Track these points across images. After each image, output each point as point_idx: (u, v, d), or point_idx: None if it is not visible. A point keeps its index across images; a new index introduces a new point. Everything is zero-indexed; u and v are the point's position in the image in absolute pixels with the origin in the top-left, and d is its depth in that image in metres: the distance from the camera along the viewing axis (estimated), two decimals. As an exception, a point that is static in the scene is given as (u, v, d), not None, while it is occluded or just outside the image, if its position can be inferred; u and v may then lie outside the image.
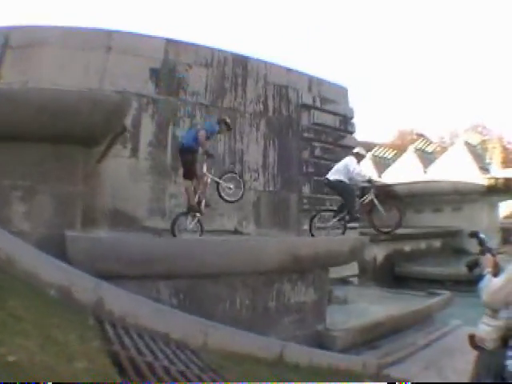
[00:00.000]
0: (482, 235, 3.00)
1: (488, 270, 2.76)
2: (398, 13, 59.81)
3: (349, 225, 7.32)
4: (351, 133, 11.71)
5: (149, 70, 8.51)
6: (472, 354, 2.83)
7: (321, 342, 5.51)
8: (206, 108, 9.13)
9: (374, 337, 6.04)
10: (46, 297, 3.13)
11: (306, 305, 5.59)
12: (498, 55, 58.52)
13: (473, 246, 3.23)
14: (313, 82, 10.95)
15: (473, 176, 16.89)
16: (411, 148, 20.69)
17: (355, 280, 10.74)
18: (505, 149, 21.04)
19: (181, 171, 6.68)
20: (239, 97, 9.61)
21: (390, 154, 22.46)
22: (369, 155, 19.72)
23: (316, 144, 10.75)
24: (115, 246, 4.42)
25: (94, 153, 5.34)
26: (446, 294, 8.45)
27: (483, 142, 21.45)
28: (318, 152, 10.72)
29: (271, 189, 9.88)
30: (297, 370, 3.86)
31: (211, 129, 6.41)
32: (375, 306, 7.43)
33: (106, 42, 8.27)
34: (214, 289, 4.71)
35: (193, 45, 9.19)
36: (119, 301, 3.40)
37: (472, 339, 2.76)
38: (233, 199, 6.82)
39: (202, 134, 6.18)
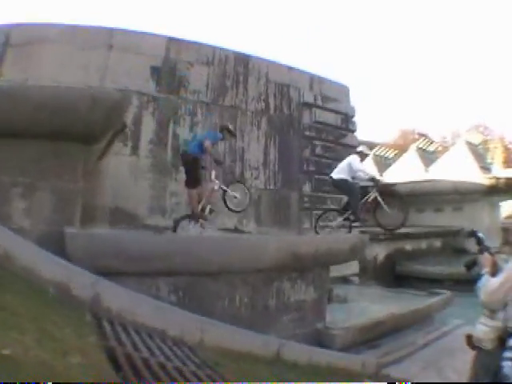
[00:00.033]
0: (480, 234, 2.98)
1: (486, 269, 2.74)
2: (401, 12, 59.73)
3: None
4: (352, 131, 11.71)
5: (150, 68, 8.53)
6: (472, 354, 2.82)
7: (320, 340, 5.49)
8: (207, 106, 9.14)
9: (373, 336, 6.02)
10: (44, 293, 3.12)
11: (305, 303, 5.57)
12: (500, 55, 58.34)
13: (473, 245, 3.22)
14: (314, 81, 10.94)
15: (474, 176, 16.86)
16: (413, 147, 20.65)
17: (356, 279, 10.72)
18: (506, 149, 20.94)
19: (182, 170, 6.68)
20: (240, 95, 9.62)
21: (391, 154, 22.43)
22: (370, 155, 19.67)
23: (317, 142, 10.75)
24: (114, 242, 4.41)
25: (94, 150, 5.33)
26: (446, 293, 8.42)
27: (485, 141, 21.39)
28: (319, 150, 10.72)
29: (272, 187, 9.89)
30: (295, 368, 3.84)
31: (214, 138, 6.40)
32: (375, 305, 7.41)
33: (107, 40, 8.29)
34: (213, 286, 4.70)
35: (194, 43, 9.21)
36: (117, 297, 3.40)
37: (469, 339, 2.75)
38: (238, 209, 6.87)
39: (207, 143, 6.18)
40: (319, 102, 10.85)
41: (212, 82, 9.25)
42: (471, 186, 16.52)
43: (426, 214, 17.52)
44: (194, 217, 6.23)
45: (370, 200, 7.06)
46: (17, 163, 4.44)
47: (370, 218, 7.40)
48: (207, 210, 6.38)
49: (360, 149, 7.42)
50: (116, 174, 7.72)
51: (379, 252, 14.03)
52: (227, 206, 6.71)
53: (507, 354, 2.48)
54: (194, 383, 2.38)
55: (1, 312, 2.22)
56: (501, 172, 17.52)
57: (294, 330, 5.31)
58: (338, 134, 11.26)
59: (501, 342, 2.55)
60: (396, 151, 22.93)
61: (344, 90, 11.76)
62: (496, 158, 18.83)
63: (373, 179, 7.11)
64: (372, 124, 56.20)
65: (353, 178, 6.93)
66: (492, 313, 2.62)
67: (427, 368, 5.17)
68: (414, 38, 62.40)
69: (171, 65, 8.78)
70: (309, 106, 10.64)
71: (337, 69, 54.94)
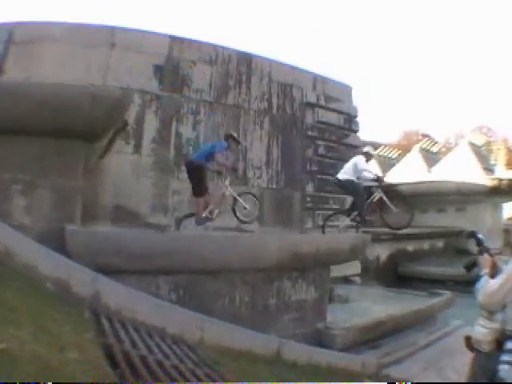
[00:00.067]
0: (479, 235, 2.95)
1: (485, 270, 2.70)
2: (405, 13, 59.58)
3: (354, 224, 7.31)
4: (355, 131, 11.67)
5: (152, 66, 8.53)
6: (471, 356, 2.80)
7: (321, 340, 5.48)
8: (210, 105, 9.13)
9: (374, 336, 6.00)
10: (43, 289, 3.12)
11: (306, 303, 5.56)
12: (504, 57, 58.12)
13: (475, 246, 3.19)
14: (317, 81, 10.92)
15: (477, 177, 16.81)
16: (416, 148, 20.61)
17: (358, 279, 10.70)
18: (509, 150, 20.84)
19: (184, 169, 6.65)
20: (243, 94, 9.60)
21: (394, 154, 22.39)
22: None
23: (320, 142, 10.72)
24: (115, 240, 4.40)
25: (95, 148, 5.33)
26: (447, 294, 8.40)
27: (488, 143, 21.36)
28: (321, 150, 10.69)
29: (274, 186, 9.86)
30: (295, 367, 3.83)
31: (220, 147, 6.36)
32: (377, 306, 7.39)
33: (109, 38, 8.29)
34: (213, 285, 4.69)
35: (197, 42, 9.20)
36: (116, 295, 3.40)
37: (468, 341, 2.72)
38: (247, 220, 6.84)
39: (218, 155, 6.16)
40: (322, 102, 10.81)
41: (215, 80, 9.24)
42: (474, 187, 16.46)
43: (429, 214, 17.45)
44: (199, 222, 6.21)
45: (375, 200, 7.04)
46: (17, 160, 4.44)
47: (376, 218, 7.37)
48: (215, 214, 6.35)
49: (366, 149, 7.38)
50: (118, 172, 7.72)
51: (381, 252, 14.00)
52: (236, 216, 6.69)
53: (504, 358, 2.45)
54: (193, 383, 2.37)
55: (0, 308, 2.22)
56: (504, 173, 17.49)
57: (294, 330, 5.30)
58: (341, 134, 11.22)
59: (498, 345, 2.52)
60: (399, 152, 22.89)
61: (347, 90, 11.73)
62: (499, 160, 18.79)
63: (377, 179, 7.07)
64: (376, 124, 56.15)
65: (358, 178, 6.91)
66: (490, 314, 2.59)
67: (428, 368, 5.15)
68: (418, 39, 62.38)
69: (174, 63, 8.78)
70: (312, 105, 10.61)
71: (340, 69, 55.08)
